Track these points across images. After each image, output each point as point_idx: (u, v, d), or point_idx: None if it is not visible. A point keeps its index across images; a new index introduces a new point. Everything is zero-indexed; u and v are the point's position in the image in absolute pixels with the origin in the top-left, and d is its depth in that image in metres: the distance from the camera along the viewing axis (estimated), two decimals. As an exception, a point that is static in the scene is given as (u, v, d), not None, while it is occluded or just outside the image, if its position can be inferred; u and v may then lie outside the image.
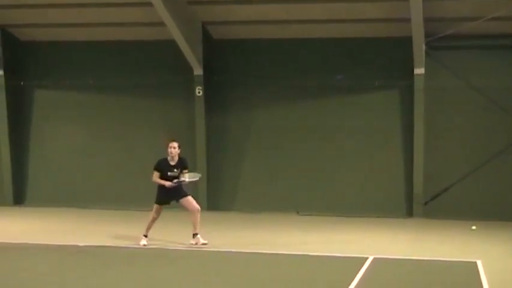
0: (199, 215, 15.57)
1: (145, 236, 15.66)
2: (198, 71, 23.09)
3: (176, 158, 15.53)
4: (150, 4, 20.90)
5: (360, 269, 13.12)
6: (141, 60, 24.09)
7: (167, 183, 15.33)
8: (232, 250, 15.38)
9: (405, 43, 21.62)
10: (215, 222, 20.62)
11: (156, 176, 15.52)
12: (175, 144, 15.47)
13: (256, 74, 23.35)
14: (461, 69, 22.30)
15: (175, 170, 15.44)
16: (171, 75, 23.57)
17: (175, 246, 15.73)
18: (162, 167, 15.48)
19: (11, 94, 24.49)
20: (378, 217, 21.92)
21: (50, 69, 24.66)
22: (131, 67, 24.10)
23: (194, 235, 15.58)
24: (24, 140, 24.96)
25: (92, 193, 24.23)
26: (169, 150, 15.46)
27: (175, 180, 15.37)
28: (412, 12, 19.98)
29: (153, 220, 15.62)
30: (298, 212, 22.79)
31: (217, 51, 23.49)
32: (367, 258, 14.35)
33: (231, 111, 23.68)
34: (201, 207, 23.11)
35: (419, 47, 21.45)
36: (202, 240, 15.50)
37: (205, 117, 23.31)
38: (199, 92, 23.15)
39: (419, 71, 22.00)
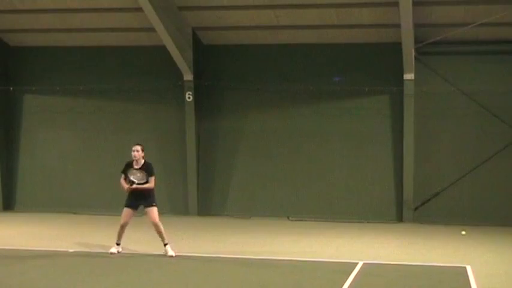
0: (161, 227, 15.12)
1: (118, 244, 15.36)
2: (188, 76, 23.09)
3: (141, 162, 15.24)
4: (140, 10, 20.93)
5: (349, 275, 13.13)
6: (131, 66, 24.09)
7: (125, 186, 15.13)
8: (222, 255, 15.35)
9: (395, 49, 21.68)
10: (206, 227, 20.64)
11: (121, 179, 15.26)
12: (138, 148, 15.22)
13: (246, 79, 23.38)
14: (451, 74, 22.38)
15: (138, 174, 15.15)
16: (162, 81, 23.57)
17: (160, 252, 15.68)
18: (126, 170, 15.23)
19: (1, 99, 24.45)
20: (368, 222, 21.95)
21: (40, 74, 24.65)
22: (121, 72, 24.10)
23: (164, 245, 15.33)
24: (14, 145, 24.92)
25: (83, 198, 24.21)
26: (132, 153, 15.22)
27: (132, 180, 15.05)
28: (402, 18, 20.03)
29: (122, 226, 15.22)
30: (289, 218, 22.79)
31: (208, 57, 23.51)
32: (357, 263, 14.37)
33: (221, 116, 23.69)
34: (191, 212, 23.48)
35: (409, 53, 21.50)
36: (170, 252, 15.12)
37: (196, 123, 23.31)
38: (189, 98, 23.14)
39: (409, 76, 22.05)
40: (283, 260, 15.10)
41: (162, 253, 15.12)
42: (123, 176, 15.25)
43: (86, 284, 12.33)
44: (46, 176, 24.71)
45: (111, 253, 15.21)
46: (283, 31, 22.77)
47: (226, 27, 22.90)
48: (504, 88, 22.08)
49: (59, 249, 15.86)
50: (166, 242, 15.22)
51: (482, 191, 22.32)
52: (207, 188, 23.69)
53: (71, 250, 15.78)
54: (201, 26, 23.01)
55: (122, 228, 15.27)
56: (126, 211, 15.20)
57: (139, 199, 15.17)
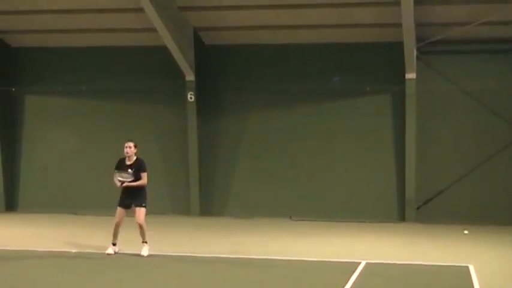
0: (144, 228, 15.09)
1: (114, 244, 15.32)
2: (190, 76, 23.10)
3: (133, 158, 15.23)
4: (141, 10, 20.92)
5: (352, 274, 13.12)
6: (133, 66, 24.09)
7: (117, 183, 15.11)
8: (223, 256, 15.34)
9: (397, 48, 21.66)
10: (207, 228, 20.65)
11: (114, 176, 15.20)
12: (131, 144, 15.21)
13: (248, 79, 23.37)
14: (453, 73, 22.37)
15: (129, 170, 15.09)
16: (163, 81, 23.56)
17: (170, 252, 15.68)
18: (118, 167, 15.24)
19: (2, 100, 24.47)
20: (370, 222, 21.94)
21: (41, 75, 24.65)
22: (123, 73, 24.10)
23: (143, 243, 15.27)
24: (15, 146, 24.93)
25: (84, 199, 24.18)
26: (124, 150, 15.21)
27: (121, 180, 15.08)
28: (403, 17, 20.02)
29: (116, 225, 15.17)
30: (291, 217, 22.79)
31: (209, 57, 23.51)
32: (359, 263, 14.36)
33: (223, 116, 23.68)
34: (193, 212, 23.48)
35: (410, 52, 21.49)
36: (144, 251, 15.07)
37: (197, 123, 23.31)
38: (191, 98, 23.15)
39: (410, 75, 22.05)
40: (286, 260, 15.09)
41: (154, 253, 15.12)
42: (116, 172, 15.22)
43: (88, 285, 12.34)
44: (47, 177, 24.71)
45: (108, 254, 15.17)
46: (284, 31, 22.76)
47: (228, 27, 22.90)
48: (505, 87, 22.07)
49: (61, 250, 15.85)
50: (145, 240, 15.18)
51: (484, 189, 22.31)
52: (208, 188, 23.68)
53: (73, 250, 15.78)
54: (203, 26, 23.01)
55: (117, 227, 15.24)
56: (119, 210, 15.24)
57: (130, 198, 15.17)
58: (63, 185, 24.58)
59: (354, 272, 13.37)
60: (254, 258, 15.17)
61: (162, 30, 21.44)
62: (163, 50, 22.35)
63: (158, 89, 23.66)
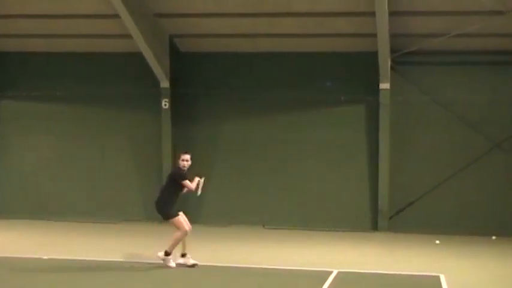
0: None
1: (184, 254, 15.13)
2: (164, 83, 23.06)
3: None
4: (117, 16, 20.88)
5: (324, 283, 13.17)
6: (108, 72, 24.00)
7: (198, 191, 15.15)
8: (198, 263, 15.31)
9: (371, 58, 21.75)
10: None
11: (189, 183, 15.09)
12: (188, 157, 15.24)
13: (223, 87, 23.36)
14: (427, 84, 22.49)
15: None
16: (138, 88, 23.51)
17: (140, 260, 15.65)
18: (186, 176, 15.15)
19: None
20: (343, 231, 21.98)
21: (16, 80, 24.46)
22: (98, 79, 24.00)
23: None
24: (-11, 152, 24.77)
25: (62, 205, 24.01)
26: (182, 163, 15.14)
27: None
28: (378, 27, 20.13)
29: (186, 233, 15.02)
30: (264, 226, 22.80)
31: (185, 64, 23.48)
32: (331, 271, 14.41)
33: (198, 124, 23.66)
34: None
35: (385, 62, 21.59)
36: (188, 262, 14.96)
37: (172, 130, 23.26)
38: (165, 105, 23.12)
39: (384, 85, 22.14)
40: (258, 268, 15.11)
41: (133, 260, 15.07)
42: (202, 179, 15.24)
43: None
44: (25, 183, 24.50)
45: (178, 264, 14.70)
46: (261, 39, 22.79)
47: (204, 34, 22.90)
48: (479, 99, 22.22)
49: (33, 257, 15.76)
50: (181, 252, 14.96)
51: (456, 200, 22.43)
52: (182, 196, 23.58)
53: (45, 257, 15.69)
54: (178, 34, 23.00)
55: (186, 235, 15.00)
56: (184, 217, 15.13)
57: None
58: (41, 190, 24.36)
59: (325, 280, 13.42)
60: (225, 266, 15.17)
61: (137, 37, 21.40)
62: (138, 56, 22.31)
63: (133, 96, 23.60)
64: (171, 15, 22.15)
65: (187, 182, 15.03)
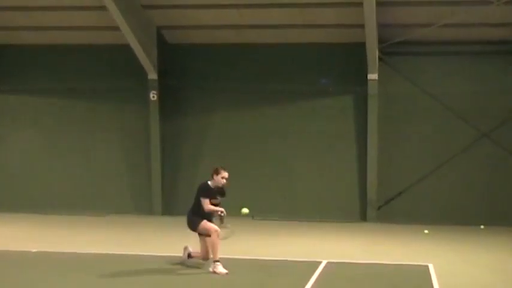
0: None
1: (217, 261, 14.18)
2: (152, 75, 23.03)
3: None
4: (104, 8, 20.81)
5: (313, 274, 13.17)
6: (96, 65, 23.95)
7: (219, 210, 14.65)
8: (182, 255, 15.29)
9: (359, 49, 21.77)
10: (170, 227, 20.55)
11: (207, 203, 14.56)
12: (227, 175, 14.97)
13: (211, 78, 23.35)
14: (415, 75, 22.54)
15: (217, 197, 14.79)
16: (126, 80, 23.48)
17: (129, 252, 15.63)
18: (212, 194, 14.67)
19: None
20: (332, 221, 22.02)
21: (4, 73, 24.37)
22: (85, 71, 23.96)
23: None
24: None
25: (49, 198, 23.98)
26: (220, 180, 14.76)
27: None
28: (366, 18, 20.14)
29: (218, 234, 14.41)
30: (253, 217, 22.76)
31: (172, 56, 23.44)
32: (320, 262, 14.41)
33: (186, 115, 23.63)
34: (156, 211, 23.40)
35: (372, 53, 21.61)
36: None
37: (160, 122, 23.23)
38: (153, 97, 23.08)
39: (372, 76, 22.17)
40: (247, 259, 15.11)
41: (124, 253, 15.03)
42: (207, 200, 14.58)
43: (45, 285, 12.26)
44: (12, 176, 24.46)
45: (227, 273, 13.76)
46: (248, 30, 22.78)
47: (191, 26, 22.86)
48: (467, 89, 22.30)
49: (21, 250, 15.70)
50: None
51: (444, 190, 22.52)
52: (171, 187, 23.61)
53: (33, 250, 15.64)
54: (166, 25, 22.95)
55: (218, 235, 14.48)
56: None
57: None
58: (28, 184, 24.34)
59: (314, 271, 13.43)
60: (215, 258, 15.12)
61: (124, 29, 21.35)
62: (126, 48, 22.26)
63: (121, 88, 23.57)
64: (158, 6, 22.10)
65: (206, 201, 14.51)
